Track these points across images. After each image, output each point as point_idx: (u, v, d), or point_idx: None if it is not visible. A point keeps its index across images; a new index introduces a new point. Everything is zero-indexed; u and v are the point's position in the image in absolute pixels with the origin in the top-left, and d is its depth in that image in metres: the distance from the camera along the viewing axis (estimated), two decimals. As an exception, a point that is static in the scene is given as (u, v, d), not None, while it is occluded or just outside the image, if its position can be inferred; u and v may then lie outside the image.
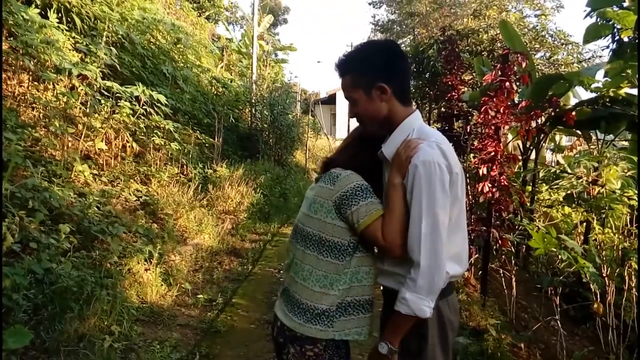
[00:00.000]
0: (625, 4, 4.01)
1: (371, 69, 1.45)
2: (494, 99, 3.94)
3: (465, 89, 6.79)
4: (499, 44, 9.76)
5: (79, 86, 4.79)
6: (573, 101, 5.48)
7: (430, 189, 1.31)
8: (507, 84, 3.90)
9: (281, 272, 4.90)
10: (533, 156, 5.25)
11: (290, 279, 1.57)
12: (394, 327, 1.37)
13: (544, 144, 5.73)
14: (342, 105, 26.16)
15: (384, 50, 1.51)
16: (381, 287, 1.58)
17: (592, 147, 5.23)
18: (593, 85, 4.64)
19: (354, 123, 1.67)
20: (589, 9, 4.24)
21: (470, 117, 6.46)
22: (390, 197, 1.40)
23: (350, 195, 1.43)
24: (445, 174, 1.33)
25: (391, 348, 1.37)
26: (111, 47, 5.45)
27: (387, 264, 1.49)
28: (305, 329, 1.46)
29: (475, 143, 4.75)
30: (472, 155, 4.98)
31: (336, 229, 1.47)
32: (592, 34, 4.31)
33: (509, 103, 4.05)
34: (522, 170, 5.11)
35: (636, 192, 3.66)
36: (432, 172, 1.31)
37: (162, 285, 3.84)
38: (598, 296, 3.05)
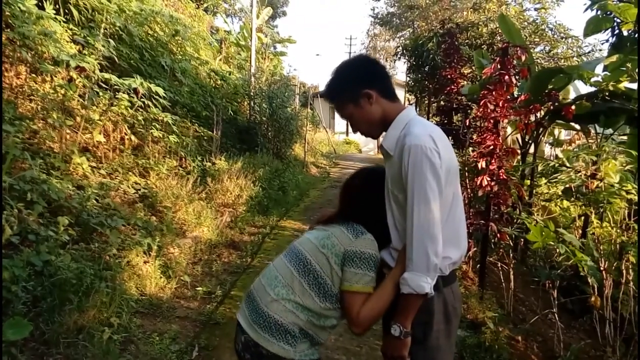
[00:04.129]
0: (626, -3, 4.00)
1: (350, 83, 1.59)
2: (493, 93, 3.93)
3: (465, 82, 6.79)
4: (498, 37, 9.74)
5: (77, 78, 4.76)
6: (572, 95, 5.47)
7: (422, 172, 1.39)
8: (507, 77, 3.89)
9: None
10: (532, 150, 5.25)
11: (261, 289, 1.56)
12: (402, 308, 1.42)
13: (542, 138, 5.73)
14: (341, 98, 25.81)
15: (354, 63, 1.66)
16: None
17: (590, 141, 5.22)
18: (592, 79, 4.62)
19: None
20: (589, 2, 4.22)
21: (469, 111, 6.47)
22: (386, 286, 1.48)
23: (362, 258, 1.49)
24: (436, 157, 1.40)
25: (403, 330, 1.41)
26: (109, 39, 5.41)
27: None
28: (270, 344, 1.46)
29: (474, 137, 4.75)
30: (471, 148, 4.99)
31: (334, 274, 1.50)
32: (592, 27, 4.30)
33: (508, 97, 4.05)
34: (520, 164, 5.11)
35: (634, 186, 3.66)
36: (423, 156, 1.39)
37: (161, 277, 3.85)
38: (595, 289, 3.06)
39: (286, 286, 1.51)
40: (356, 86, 1.56)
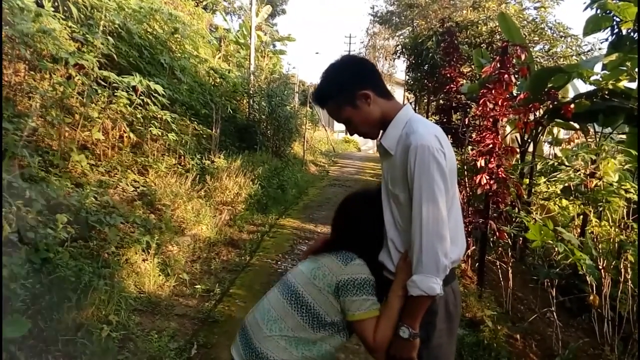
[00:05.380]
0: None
1: (345, 85, 1.54)
2: (493, 92, 3.93)
3: (464, 81, 6.77)
4: (498, 36, 9.73)
5: (76, 76, 4.75)
6: (571, 94, 5.47)
7: (429, 172, 1.38)
8: (506, 76, 3.89)
9: (279, 262, 4.91)
10: (531, 149, 5.26)
11: (255, 324, 1.55)
12: (410, 310, 1.42)
13: (541, 137, 5.73)
14: (340, 97, 25.78)
15: (345, 64, 1.62)
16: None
17: (589, 140, 5.23)
18: (592, 78, 4.63)
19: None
20: (589, 1, 4.22)
21: (468, 110, 6.45)
22: (391, 305, 1.46)
23: (356, 285, 1.47)
24: (442, 158, 1.40)
25: (412, 332, 1.41)
26: (108, 37, 5.39)
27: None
28: None
29: (474, 135, 4.75)
30: (470, 147, 4.98)
31: (328, 303, 1.49)
32: (591, 26, 4.29)
33: (508, 95, 4.05)
34: (519, 162, 5.12)
35: (633, 185, 3.67)
36: (430, 156, 1.38)
37: (159, 275, 3.85)
38: (594, 288, 3.07)
39: (279, 320, 1.50)
40: (352, 88, 1.52)
